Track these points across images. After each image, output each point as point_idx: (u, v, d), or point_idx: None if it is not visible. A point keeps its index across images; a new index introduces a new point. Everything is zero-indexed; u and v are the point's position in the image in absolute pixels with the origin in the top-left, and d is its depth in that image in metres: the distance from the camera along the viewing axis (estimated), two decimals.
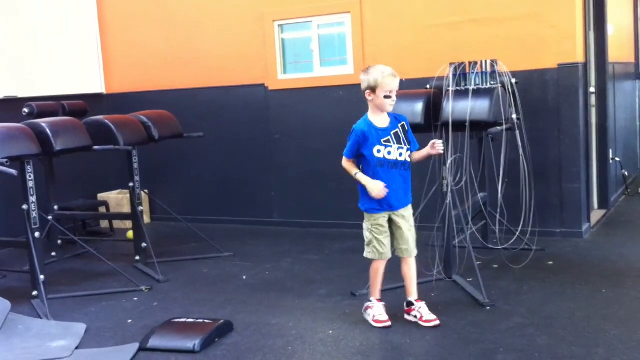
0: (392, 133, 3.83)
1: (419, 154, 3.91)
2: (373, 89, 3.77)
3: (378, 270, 3.94)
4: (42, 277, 4.52)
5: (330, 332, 3.82)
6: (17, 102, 6.19)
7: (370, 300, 3.97)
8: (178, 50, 7.01)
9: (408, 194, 3.91)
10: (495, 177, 4.76)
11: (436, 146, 3.82)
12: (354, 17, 6.13)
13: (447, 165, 4.49)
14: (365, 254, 3.95)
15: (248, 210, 6.86)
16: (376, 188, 3.77)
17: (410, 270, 3.94)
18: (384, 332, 3.74)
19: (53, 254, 5.83)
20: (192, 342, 3.63)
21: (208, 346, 3.66)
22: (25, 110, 5.66)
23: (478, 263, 4.47)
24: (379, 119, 3.84)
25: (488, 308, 4.01)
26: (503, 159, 4.66)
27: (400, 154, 3.83)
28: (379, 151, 3.79)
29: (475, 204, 4.94)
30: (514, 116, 4.70)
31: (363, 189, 3.85)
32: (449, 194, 4.49)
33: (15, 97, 6.39)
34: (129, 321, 4.19)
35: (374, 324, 3.86)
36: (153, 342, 3.71)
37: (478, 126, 4.52)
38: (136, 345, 3.71)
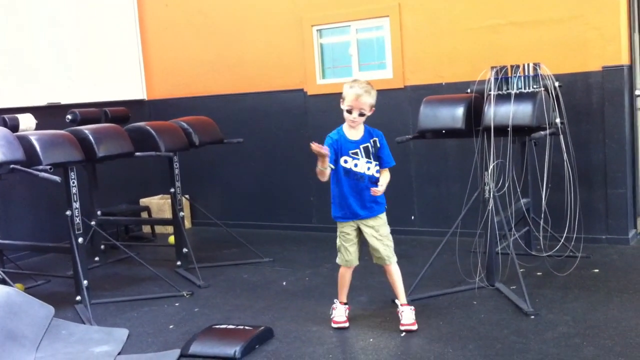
0: (361, 147, 3.87)
1: (381, 180, 3.87)
2: (343, 99, 3.90)
3: (344, 276, 4.05)
4: (85, 282, 4.59)
5: (371, 340, 3.78)
6: (60, 108, 6.29)
7: (334, 302, 4.09)
8: (218, 57, 7.06)
9: (378, 205, 3.93)
10: (538, 183, 4.67)
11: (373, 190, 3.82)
12: (393, 21, 6.09)
13: (489, 170, 4.42)
14: (336, 260, 4.05)
15: (287, 216, 6.87)
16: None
17: (391, 277, 3.99)
18: (425, 341, 3.69)
19: (96, 258, 5.90)
20: (232, 349, 3.64)
21: (248, 353, 3.66)
22: (69, 117, 5.73)
23: (521, 270, 4.38)
24: (351, 131, 3.91)
25: (532, 317, 3.93)
26: (547, 164, 4.58)
27: (368, 168, 3.88)
28: (345, 162, 3.87)
29: (518, 210, 4.86)
30: (558, 120, 4.61)
31: (334, 198, 3.94)
32: (491, 200, 4.42)
33: (58, 104, 6.50)
34: (171, 327, 4.22)
35: (332, 324, 3.98)
36: (194, 348, 3.72)
37: (521, 131, 4.44)
38: (177, 352, 3.73)
